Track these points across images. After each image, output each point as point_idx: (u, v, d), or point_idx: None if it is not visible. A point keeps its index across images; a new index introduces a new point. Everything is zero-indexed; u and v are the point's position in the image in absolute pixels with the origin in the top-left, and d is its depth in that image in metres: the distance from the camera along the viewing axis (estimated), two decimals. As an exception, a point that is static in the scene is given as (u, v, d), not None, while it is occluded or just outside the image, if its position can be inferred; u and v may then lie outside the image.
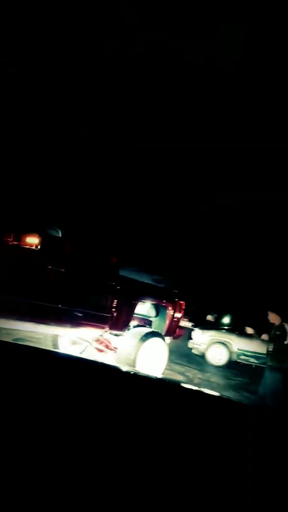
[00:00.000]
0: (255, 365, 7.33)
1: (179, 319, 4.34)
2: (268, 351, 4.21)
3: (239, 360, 7.56)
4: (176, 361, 7.06)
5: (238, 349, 7.46)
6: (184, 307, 4.36)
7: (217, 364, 7.50)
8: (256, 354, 7.32)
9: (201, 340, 7.65)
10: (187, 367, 6.63)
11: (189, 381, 5.27)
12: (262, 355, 6.73)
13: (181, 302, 4.35)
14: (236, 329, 7.84)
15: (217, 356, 7.53)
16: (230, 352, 7.52)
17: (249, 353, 7.43)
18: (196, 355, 7.86)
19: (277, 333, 4.13)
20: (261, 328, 6.41)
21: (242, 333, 7.66)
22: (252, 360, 7.40)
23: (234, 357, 7.53)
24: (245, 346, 7.46)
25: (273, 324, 4.28)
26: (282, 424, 1.07)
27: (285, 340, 4.08)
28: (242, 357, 7.50)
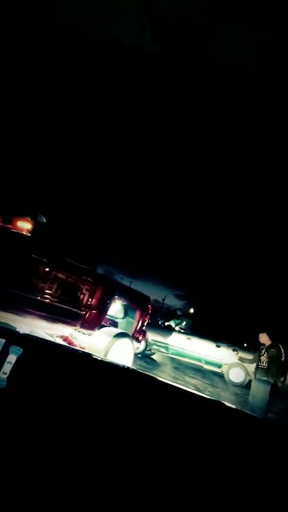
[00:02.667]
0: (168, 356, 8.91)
1: (144, 323, 4.52)
2: (259, 366, 4.72)
3: (153, 350, 8.95)
4: (190, 375, 7.79)
5: (152, 340, 8.74)
6: (150, 311, 4.56)
7: (136, 351, 8.33)
8: (166, 345, 8.76)
9: None
10: (199, 381, 7.37)
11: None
12: (172, 347, 8.53)
13: (148, 306, 4.55)
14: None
15: (136, 344, 8.46)
16: (147, 342, 8.67)
17: (160, 344, 8.78)
18: (209, 371, 9.00)
19: (272, 350, 4.67)
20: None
21: (157, 327, 9.18)
22: (162, 350, 8.79)
23: (149, 346, 8.85)
24: (158, 338, 8.80)
25: (263, 344, 4.83)
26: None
27: (282, 357, 4.63)
28: (154, 347, 8.87)
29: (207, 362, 8.54)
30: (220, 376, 8.70)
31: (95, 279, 3.95)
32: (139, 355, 8.54)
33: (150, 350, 9.07)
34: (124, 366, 1.26)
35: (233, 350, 8.22)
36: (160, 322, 9.93)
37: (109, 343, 3.84)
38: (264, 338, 4.83)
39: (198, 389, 6.20)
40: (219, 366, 8.44)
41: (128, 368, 1.26)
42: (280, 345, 4.70)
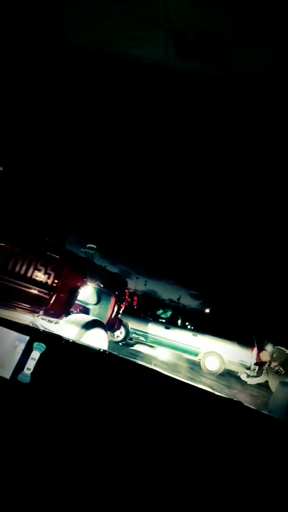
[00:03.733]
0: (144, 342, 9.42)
1: (120, 310, 3.92)
2: (280, 374, 4.47)
3: (133, 338, 9.33)
4: (205, 375, 7.87)
5: (131, 328, 9.20)
6: (128, 297, 3.96)
7: (116, 340, 9.09)
8: (144, 334, 9.14)
9: None
10: (215, 382, 7.35)
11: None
12: (150, 335, 8.99)
13: (126, 290, 3.94)
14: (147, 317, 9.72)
15: (117, 333, 9.15)
16: (127, 331, 9.19)
17: (140, 333, 9.17)
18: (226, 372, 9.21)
19: (274, 355, 4.54)
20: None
21: (137, 316, 9.55)
22: (141, 338, 9.20)
23: (130, 335, 9.31)
24: (138, 327, 9.19)
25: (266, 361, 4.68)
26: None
27: (285, 352, 4.48)
28: (134, 335, 9.25)
29: (185, 351, 8.75)
30: (235, 376, 8.84)
31: (62, 256, 3.27)
32: (121, 344, 9.08)
33: (131, 339, 9.33)
34: (143, 364, 1.18)
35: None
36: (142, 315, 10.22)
37: (79, 333, 3.20)
38: (265, 356, 4.73)
39: (214, 390, 6.04)
40: (196, 355, 8.64)
41: (148, 367, 1.17)
42: (278, 346, 4.62)
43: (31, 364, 1.09)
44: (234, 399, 1.18)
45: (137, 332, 9.14)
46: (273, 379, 4.56)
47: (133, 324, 9.23)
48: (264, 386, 4.92)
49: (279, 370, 4.49)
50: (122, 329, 9.10)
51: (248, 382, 5.32)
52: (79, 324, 3.28)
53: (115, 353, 1.19)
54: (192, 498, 0.84)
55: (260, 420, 1.04)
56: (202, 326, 9.23)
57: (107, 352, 1.19)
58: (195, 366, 8.81)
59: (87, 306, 3.79)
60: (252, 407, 1.11)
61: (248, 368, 8.00)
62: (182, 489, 0.85)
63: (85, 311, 3.76)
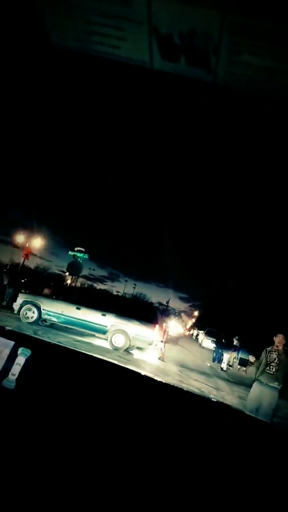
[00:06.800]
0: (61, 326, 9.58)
1: None
2: (266, 371, 4.54)
3: (45, 318, 9.55)
4: (194, 378, 7.99)
5: (43, 309, 9.40)
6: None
7: (29, 321, 9.35)
8: (57, 315, 9.37)
9: (17, 301, 9.64)
10: (204, 384, 7.49)
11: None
12: (62, 316, 9.28)
13: None
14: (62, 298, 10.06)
15: (30, 314, 9.45)
16: (40, 312, 9.38)
17: (52, 314, 9.40)
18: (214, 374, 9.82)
19: (284, 358, 4.50)
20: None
21: (50, 298, 10.03)
22: (54, 319, 9.43)
23: (43, 316, 9.50)
24: (50, 308, 9.42)
25: (271, 346, 4.63)
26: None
27: None
28: (47, 316, 9.44)
29: (94, 329, 9.18)
30: (225, 379, 9.55)
31: None
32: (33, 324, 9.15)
33: (44, 320, 9.52)
34: (133, 369, 1.18)
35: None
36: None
37: None
38: (280, 341, 4.65)
39: (202, 392, 6.23)
40: (104, 333, 9.17)
41: (136, 372, 1.19)
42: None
43: (16, 369, 1.08)
44: (226, 402, 1.26)
45: (50, 313, 9.37)
46: (258, 372, 4.73)
47: (45, 306, 9.39)
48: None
49: (270, 367, 4.56)
50: (35, 310, 9.34)
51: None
52: None
53: (104, 358, 1.19)
54: (179, 502, 0.84)
55: (247, 423, 1.10)
56: (110, 306, 9.65)
57: (94, 357, 1.19)
58: (184, 369, 9.21)
59: None
60: (239, 408, 1.23)
61: (150, 344, 8.84)
62: (173, 497, 0.85)
63: None
